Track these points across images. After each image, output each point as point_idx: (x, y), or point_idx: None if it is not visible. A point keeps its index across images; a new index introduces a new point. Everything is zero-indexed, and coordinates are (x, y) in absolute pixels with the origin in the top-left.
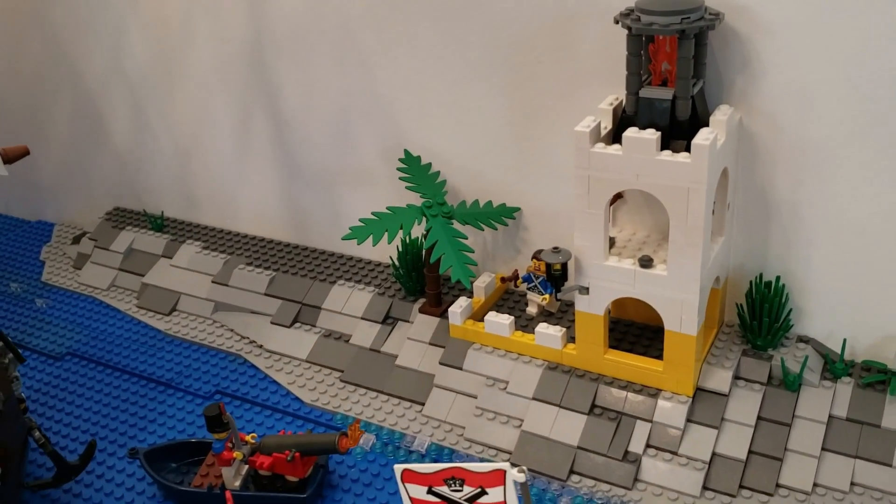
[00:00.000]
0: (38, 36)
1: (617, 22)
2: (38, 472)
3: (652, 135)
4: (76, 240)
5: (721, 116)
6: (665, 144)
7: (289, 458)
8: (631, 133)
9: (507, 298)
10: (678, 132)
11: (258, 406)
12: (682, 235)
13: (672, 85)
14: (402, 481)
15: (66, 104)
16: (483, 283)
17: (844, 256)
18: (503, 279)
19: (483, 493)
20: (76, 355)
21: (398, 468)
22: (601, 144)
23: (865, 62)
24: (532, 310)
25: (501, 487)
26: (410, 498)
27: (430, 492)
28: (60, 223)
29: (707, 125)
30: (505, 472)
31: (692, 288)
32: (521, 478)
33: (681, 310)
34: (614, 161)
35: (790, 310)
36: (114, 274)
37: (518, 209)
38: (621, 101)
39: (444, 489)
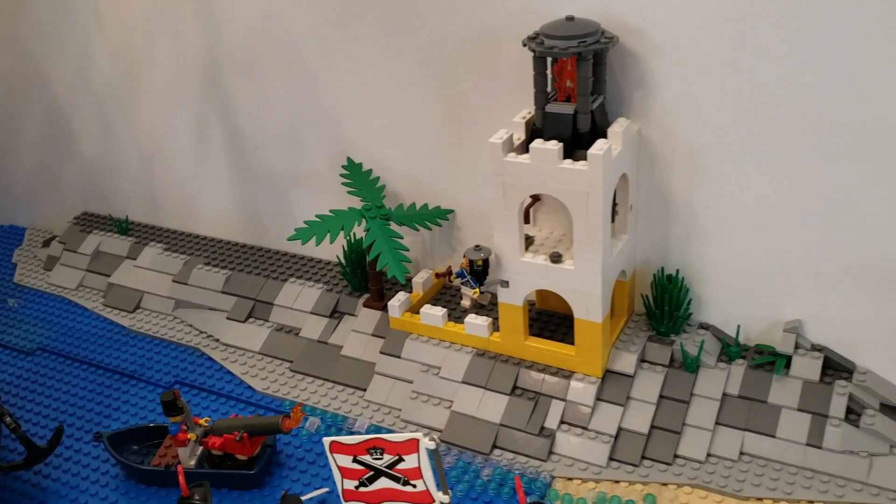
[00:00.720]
0: (8, 50)
1: (525, 45)
2: (10, 456)
3: (555, 146)
4: (46, 243)
5: (618, 128)
6: (569, 154)
7: (237, 439)
8: (537, 144)
9: (445, 293)
10: (580, 143)
11: (214, 395)
12: (585, 234)
13: (574, 101)
14: (331, 452)
15: (35, 115)
16: (421, 279)
17: (736, 251)
18: (437, 275)
19: (400, 459)
20: (46, 350)
21: (326, 441)
22: (513, 154)
23: (742, 80)
24: (465, 303)
25: (416, 454)
26: (338, 467)
27: (354, 461)
28: (31, 227)
29: (606, 136)
30: (418, 440)
31: (595, 281)
32: (432, 445)
33: (587, 300)
34: (524, 169)
35: (690, 300)
36: (82, 275)
37: (451, 211)
38: (533, 115)
39: (366, 458)
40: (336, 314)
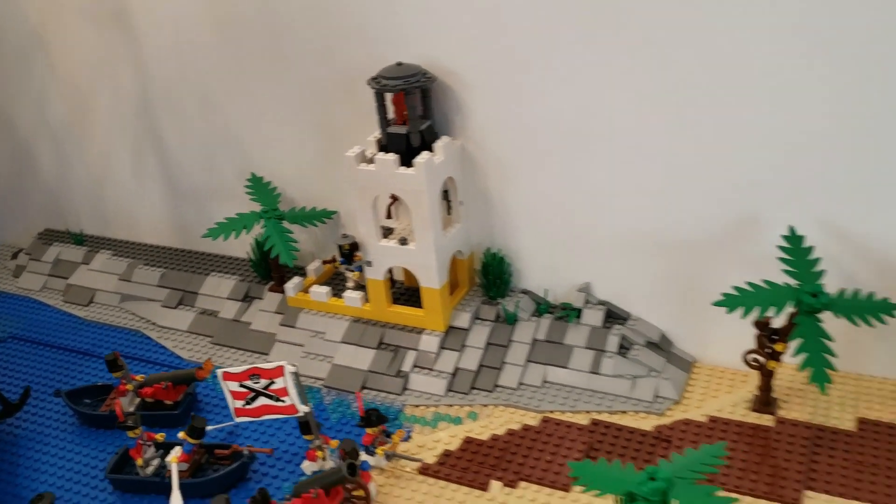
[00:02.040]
0: None
1: (368, 84)
2: None
3: (393, 157)
4: (14, 255)
5: (440, 144)
6: (406, 163)
7: (164, 387)
8: (379, 156)
9: (336, 277)
10: (413, 155)
11: (152, 363)
12: (420, 223)
13: (407, 124)
14: (223, 380)
15: (2, 150)
16: (313, 267)
17: (540, 233)
18: (325, 262)
19: (272, 382)
20: (16, 338)
21: (219, 371)
22: (364, 164)
23: (523, 105)
24: (350, 284)
25: (283, 377)
26: (230, 391)
27: (241, 385)
28: (2, 244)
29: (433, 150)
30: (283, 366)
31: (431, 257)
32: (293, 369)
33: (427, 272)
34: (371, 175)
35: (511, 272)
36: (45, 279)
37: (335, 212)
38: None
39: (248, 382)
40: (247, 299)
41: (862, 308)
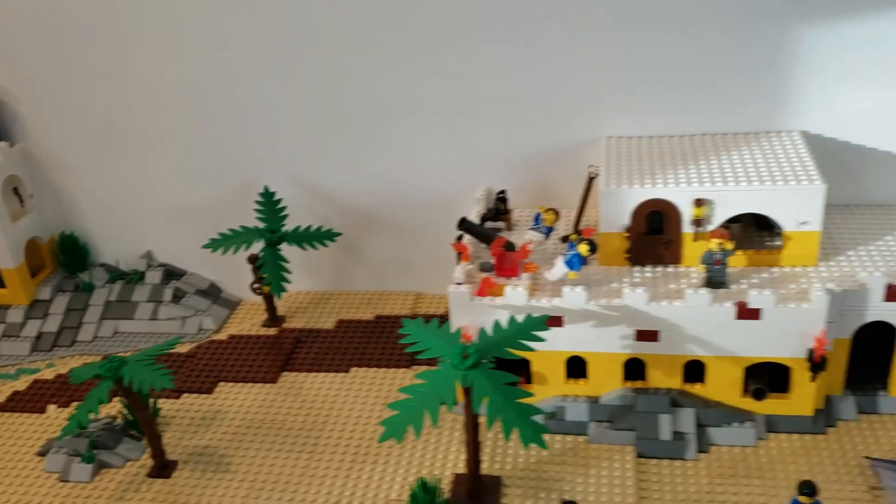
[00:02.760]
0: None
1: None
2: None
3: None
4: None
5: None
6: None
7: None
8: None
9: None
10: None
11: None
12: None
13: None
14: None
15: None
16: None
17: (107, 215)
18: None
19: None
20: None
21: None
22: None
23: (69, 111)
24: None
25: None
26: None
27: None
28: None
29: None
30: None
31: (1, 244)
32: None
33: (1, 257)
34: None
35: (87, 250)
36: None
37: None
38: None
39: None
40: None
41: (309, 237)
